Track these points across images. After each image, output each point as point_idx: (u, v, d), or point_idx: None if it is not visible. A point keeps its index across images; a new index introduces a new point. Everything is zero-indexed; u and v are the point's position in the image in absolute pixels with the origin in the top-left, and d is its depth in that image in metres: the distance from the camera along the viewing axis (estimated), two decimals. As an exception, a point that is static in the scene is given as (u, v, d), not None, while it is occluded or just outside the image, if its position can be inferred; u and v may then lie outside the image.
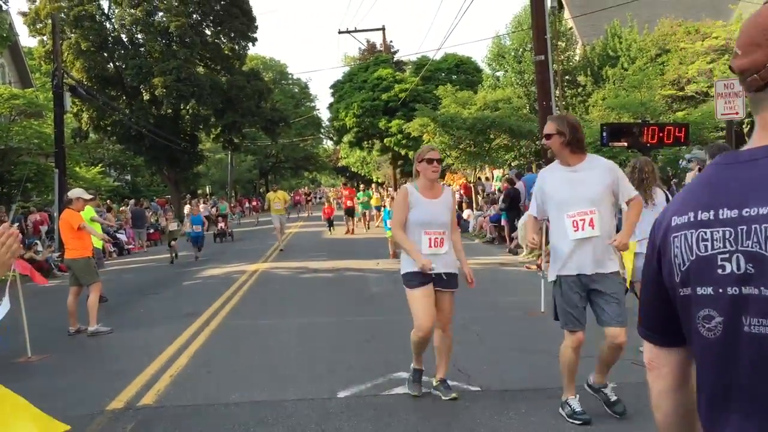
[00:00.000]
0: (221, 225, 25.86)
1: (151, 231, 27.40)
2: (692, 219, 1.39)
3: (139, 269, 18.25)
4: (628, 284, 7.11)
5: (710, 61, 19.46)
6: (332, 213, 28.07)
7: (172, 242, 18.69)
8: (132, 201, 30.08)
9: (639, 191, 6.37)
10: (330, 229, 27.28)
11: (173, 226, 19.34)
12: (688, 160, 8.83)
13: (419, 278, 5.62)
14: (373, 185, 40.37)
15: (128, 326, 9.59)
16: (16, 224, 18.53)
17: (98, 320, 9.23)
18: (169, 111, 36.69)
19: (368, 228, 28.26)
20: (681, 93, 19.79)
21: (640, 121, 13.27)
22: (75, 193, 9.85)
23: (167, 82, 33.17)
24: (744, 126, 18.44)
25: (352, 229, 26.71)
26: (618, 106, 15.09)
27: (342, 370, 6.64)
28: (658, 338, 1.56)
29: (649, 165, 6.53)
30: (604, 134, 10.14)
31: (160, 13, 35.78)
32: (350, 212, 27.61)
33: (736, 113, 8.95)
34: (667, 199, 6.56)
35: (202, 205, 31.91)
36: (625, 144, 10.25)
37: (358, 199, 28.64)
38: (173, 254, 18.59)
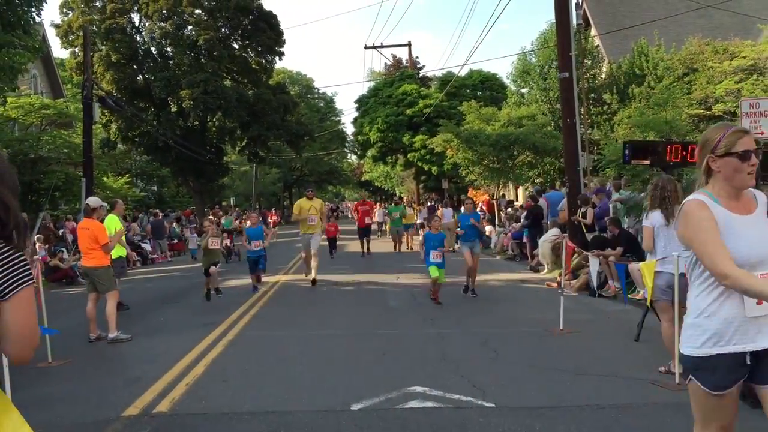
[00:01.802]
0: (226, 242, 21.38)
1: (176, 241, 27.64)
2: None
3: (162, 279, 18.41)
4: (648, 303, 7.03)
5: (738, 80, 19.27)
6: (336, 233, 22.18)
7: (212, 268, 12.55)
8: (138, 215, 29.79)
9: (661, 209, 6.33)
10: (332, 254, 21.72)
11: (214, 243, 13.00)
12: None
13: (725, 371, 3.03)
14: (405, 199, 38.60)
15: (148, 334, 9.66)
16: (37, 234, 18.76)
17: (118, 327, 9.31)
18: (196, 123, 37.13)
19: (410, 248, 23.92)
20: (708, 113, 19.59)
21: (664, 139, 13.15)
22: (96, 201, 9.97)
23: (194, 95, 33.59)
24: (772, 147, 18.23)
25: (368, 248, 22.58)
26: (643, 125, 14.97)
27: (356, 382, 6.62)
28: None
29: (671, 183, 6.46)
30: (627, 152, 10.07)
31: (190, 27, 36.32)
32: (366, 231, 22.81)
33: (762, 133, 8.83)
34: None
35: (224, 218, 31.85)
36: (648, 162, 10.17)
37: (389, 214, 24.91)
38: (210, 290, 12.70)
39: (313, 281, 14.51)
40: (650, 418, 5.40)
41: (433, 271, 11.25)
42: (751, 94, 17.44)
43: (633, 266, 7.92)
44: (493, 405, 5.82)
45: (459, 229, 12.41)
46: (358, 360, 7.65)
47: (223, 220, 23.90)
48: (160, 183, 46.09)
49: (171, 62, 36.73)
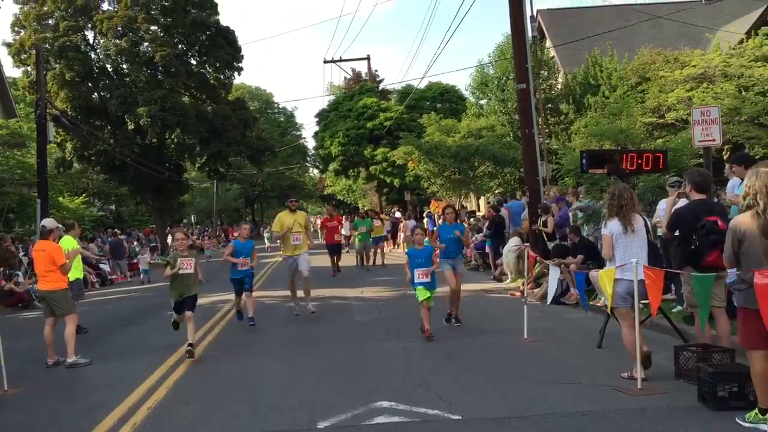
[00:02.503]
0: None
1: (135, 261, 27.19)
2: None
3: (122, 300, 18.06)
4: (609, 310, 7.12)
5: (689, 89, 19.73)
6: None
7: (187, 313, 9.17)
8: (99, 235, 29.35)
9: (619, 217, 6.43)
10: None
11: (186, 264, 9.22)
12: (671, 185, 8.91)
13: None
14: (371, 213, 34.82)
15: (108, 357, 9.45)
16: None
17: (77, 352, 9.10)
18: (154, 140, 36.63)
19: (372, 264, 21.88)
20: (661, 120, 20.03)
21: (620, 148, 13.41)
22: (51, 222, 9.77)
23: (152, 112, 33.13)
24: (724, 152, 18.69)
25: (338, 267, 19.79)
26: (599, 134, 15.26)
27: (323, 399, 6.56)
28: None
29: (628, 191, 6.58)
30: (584, 161, 10.25)
31: (146, 44, 35.85)
32: (336, 248, 19.96)
33: (713, 140, 9.07)
34: (646, 226, 6.60)
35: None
36: (605, 171, 10.35)
37: (356, 228, 22.42)
38: (178, 323, 9.75)
39: (311, 311, 11.88)
40: (614, 424, 5.46)
41: (422, 293, 9.37)
42: (701, 102, 17.89)
43: (593, 274, 8.04)
44: (460, 417, 5.82)
45: (440, 243, 10.20)
46: (323, 376, 7.59)
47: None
48: (118, 202, 45.35)
49: (127, 79, 36.21)
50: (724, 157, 17.60)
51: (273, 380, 7.55)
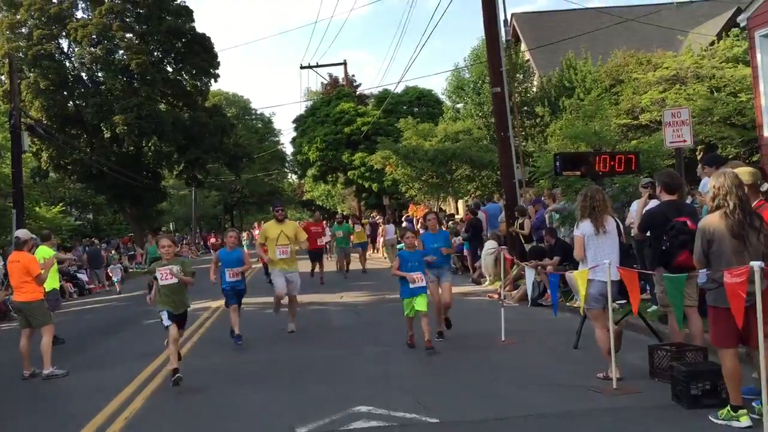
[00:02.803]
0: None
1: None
2: None
3: (100, 309, 17.90)
4: (581, 311, 7.20)
5: (662, 90, 20.00)
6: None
7: (172, 334, 7.90)
8: (77, 245, 28.89)
9: (590, 219, 6.51)
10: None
11: (165, 275, 7.90)
12: (642, 186, 9.04)
13: None
14: (353, 218, 32.27)
15: (85, 368, 9.37)
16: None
17: (54, 363, 9.01)
18: (131, 148, 36.39)
19: (347, 270, 20.86)
20: (636, 122, 20.27)
21: (593, 150, 13.54)
22: (26, 233, 9.69)
23: (128, 120, 32.94)
24: (697, 152, 18.95)
25: (321, 274, 18.93)
26: (573, 136, 15.41)
27: (301, 405, 6.57)
28: None
29: (600, 193, 6.66)
30: (558, 163, 10.36)
31: (121, 51, 35.67)
32: (318, 255, 19.14)
33: (684, 141, 9.22)
34: (618, 227, 6.69)
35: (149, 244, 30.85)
36: (579, 173, 10.47)
37: (334, 234, 21.67)
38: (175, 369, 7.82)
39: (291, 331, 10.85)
40: (589, 424, 5.52)
41: (407, 308, 8.78)
42: (674, 103, 18.13)
43: (570, 275, 8.14)
44: (438, 421, 5.86)
45: (427, 256, 9.07)
46: (302, 382, 7.59)
47: (148, 246, 21.78)
48: (95, 211, 44.97)
49: (102, 87, 35.99)
50: (698, 157, 17.84)
51: (251, 387, 7.53)
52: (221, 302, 16.05)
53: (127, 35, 35.82)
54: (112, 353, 10.61)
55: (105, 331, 13.09)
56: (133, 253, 33.40)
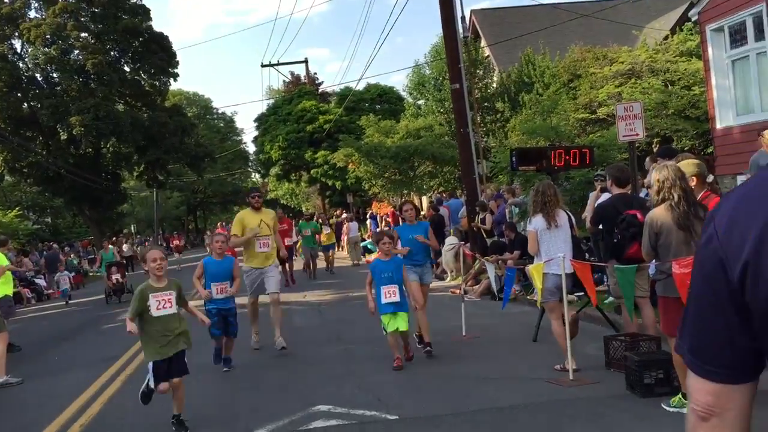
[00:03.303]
0: (116, 277, 18.10)
1: (73, 275, 26.44)
2: None
3: (58, 315, 17.56)
4: (538, 304, 7.28)
5: (618, 84, 20.29)
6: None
7: (161, 386, 5.95)
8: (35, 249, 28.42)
9: (542, 213, 6.59)
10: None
11: (164, 303, 5.87)
12: (595, 180, 9.17)
13: None
14: (321, 217, 28.47)
15: (41, 375, 9.19)
16: None
17: (8, 371, 8.82)
18: (89, 150, 35.79)
19: (313, 276, 19.80)
20: (593, 116, 20.54)
21: (553, 144, 13.71)
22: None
23: (85, 121, 32.37)
24: (653, 145, 19.28)
25: (291, 275, 18.29)
26: (531, 131, 15.57)
27: (260, 407, 6.53)
28: (726, 373, 1.23)
29: (551, 188, 6.75)
30: (514, 159, 10.46)
31: (76, 51, 35.06)
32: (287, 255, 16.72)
33: (637, 134, 9.37)
34: (570, 221, 6.78)
35: (125, 246, 30.47)
36: (534, 168, 10.58)
37: (300, 231, 20.24)
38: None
39: (281, 348, 8.83)
40: (546, 416, 5.59)
41: (391, 322, 7.36)
42: (630, 97, 18.40)
43: (529, 269, 8.25)
44: (397, 417, 5.87)
45: (400, 246, 8.13)
46: (261, 383, 7.55)
47: (102, 254, 20.63)
48: (54, 214, 44.12)
49: (58, 88, 35.31)
50: (654, 150, 18.14)
51: (211, 389, 7.47)
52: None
53: (83, 35, 35.20)
54: (69, 359, 10.42)
55: (62, 337, 12.85)
56: (93, 257, 32.83)
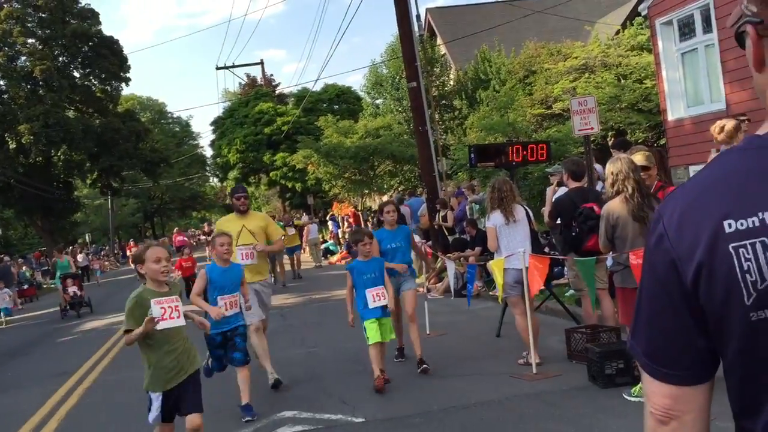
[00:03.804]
0: (73, 290, 16.87)
1: (25, 287, 25.75)
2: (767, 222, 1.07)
3: (11, 330, 17.06)
4: (500, 300, 7.30)
5: (573, 79, 20.55)
6: (192, 271, 15.34)
7: (184, 412, 4.64)
8: None
9: (500, 209, 6.60)
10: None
11: (170, 310, 4.45)
12: (551, 174, 9.25)
13: None
14: (285, 218, 24.60)
15: (-6, 393, 8.90)
16: None
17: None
18: (39, 158, 34.94)
19: (282, 283, 17.93)
20: (549, 111, 20.77)
21: (511, 140, 13.79)
22: None
23: (34, 129, 31.58)
24: (608, 138, 19.58)
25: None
26: (488, 128, 15.65)
27: (223, 415, 6.40)
28: (683, 375, 1.18)
29: (507, 184, 6.77)
30: (472, 155, 10.49)
31: (23, 58, 34.18)
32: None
33: (592, 128, 9.48)
34: (528, 215, 6.81)
35: (80, 256, 29.73)
36: (493, 164, 10.63)
37: None
38: None
39: (275, 384, 7.15)
40: (511, 411, 5.60)
41: (373, 333, 6.49)
42: (584, 92, 18.62)
43: (490, 264, 8.27)
44: (363, 419, 5.82)
45: (392, 264, 7.18)
46: (225, 391, 7.39)
47: (57, 261, 19.10)
48: (4, 226, 42.94)
49: (5, 96, 34.39)
50: (609, 143, 18.43)
51: (172, 400, 7.29)
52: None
53: (29, 41, 34.37)
54: (24, 375, 10.11)
55: (15, 353, 12.48)
56: (47, 268, 32.03)
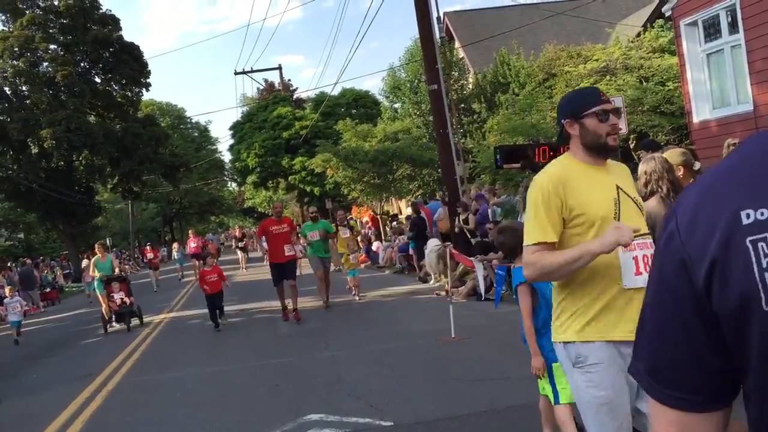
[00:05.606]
0: (120, 296, 13.91)
1: (48, 290, 25.95)
2: None
3: (34, 332, 17.15)
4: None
5: (593, 82, 20.38)
6: (219, 287, 12.67)
7: None
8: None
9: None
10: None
11: None
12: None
13: None
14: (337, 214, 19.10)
15: (18, 395, 8.91)
16: None
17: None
18: (61, 163, 35.21)
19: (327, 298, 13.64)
20: (571, 114, 20.60)
21: (533, 142, 13.65)
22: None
23: (57, 134, 31.81)
24: (630, 141, 19.39)
25: (294, 309, 12.38)
26: (510, 130, 15.55)
27: (250, 418, 6.35)
28: (691, 399, 1.02)
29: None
30: (498, 156, 10.39)
31: (45, 63, 34.48)
32: (286, 270, 12.50)
33: (620, 129, 9.29)
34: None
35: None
36: (519, 165, 10.52)
37: (304, 236, 13.94)
38: None
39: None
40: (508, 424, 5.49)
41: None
42: (606, 94, 18.49)
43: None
44: (392, 423, 5.73)
45: None
46: (250, 394, 7.36)
47: (98, 261, 14.53)
48: (26, 230, 43.33)
49: (28, 101, 34.69)
50: (631, 146, 18.25)
51: (198, 402, 7.26)
52: (163, 315, 15.62)
53: (51, 47, 34.67)
54: (48, 377, 10.13)
55: (39, 355, 12.52)
56: (69, 271, 32.29)
